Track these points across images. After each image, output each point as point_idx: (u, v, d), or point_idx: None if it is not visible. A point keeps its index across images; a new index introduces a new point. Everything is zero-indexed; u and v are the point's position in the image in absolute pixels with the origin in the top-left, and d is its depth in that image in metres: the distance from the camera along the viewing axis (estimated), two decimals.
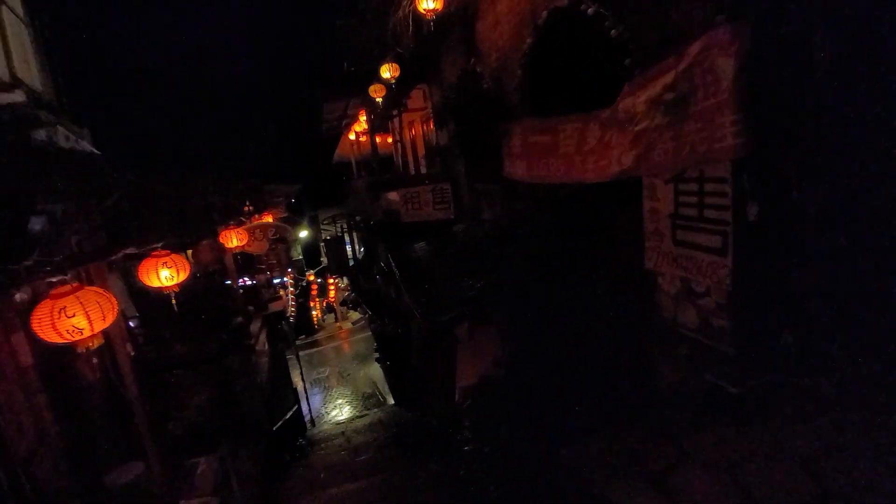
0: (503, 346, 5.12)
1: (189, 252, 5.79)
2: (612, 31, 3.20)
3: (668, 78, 2.65)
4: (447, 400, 7.22)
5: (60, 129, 5.70)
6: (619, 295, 3.47)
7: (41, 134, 5.12)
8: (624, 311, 3.37)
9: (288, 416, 8.04)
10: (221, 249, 6.11)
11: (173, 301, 3.89)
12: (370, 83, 9.03)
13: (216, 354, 5.94)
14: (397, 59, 7.25)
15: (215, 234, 5.72)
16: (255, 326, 6.88)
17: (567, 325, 3.89)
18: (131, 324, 6.90)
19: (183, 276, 3.86)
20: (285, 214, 11.59)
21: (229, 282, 6.51)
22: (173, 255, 3.79)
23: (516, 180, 5.15)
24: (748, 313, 2.60)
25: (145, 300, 8.85)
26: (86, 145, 6.24)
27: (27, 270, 3.03)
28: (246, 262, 7.54)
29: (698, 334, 2.86)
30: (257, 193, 8.11)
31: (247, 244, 6.44)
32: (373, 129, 10.36)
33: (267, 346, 7.59)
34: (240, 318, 6.03)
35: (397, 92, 9.32)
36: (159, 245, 3.83)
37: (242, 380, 6.06)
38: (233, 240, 5.75)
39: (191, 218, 4.94)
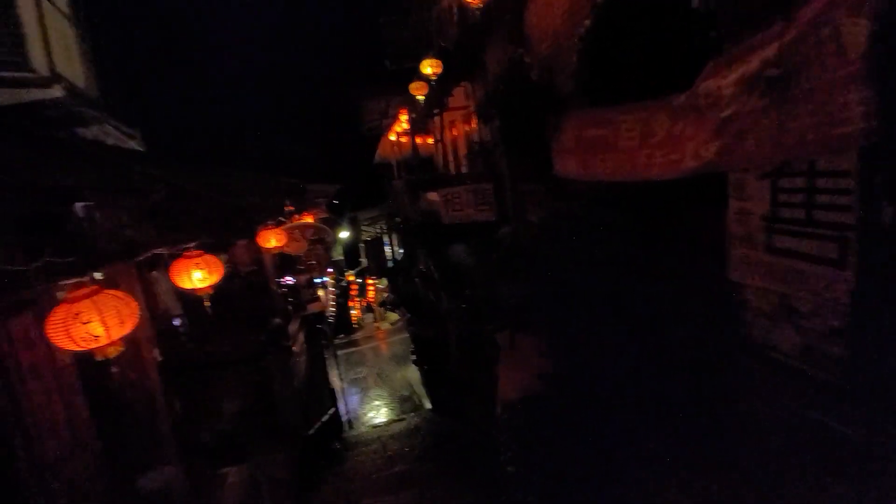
0: (549, 360, 4.70)
1: (227, 252, 5.73)
2: (694, 0, 2.74)
3: (770, 51, 2.18)
4: (487, 412, 6.85)
5: (110, 127, 5.77)
6: (693, 309, 2.99)
7: (89, 132, 5.15)
8: (699, 328, 2.89)
9: (325, 419, 7.90)
10: (258, 250, 6.01)
11: (206, 303, 3.74)
12: (412, 82, 8.81)
13: (254, 355, 5.84)
14: (440, 55, 6.96)
15: (253, 235, 5.62)
16: (293, 327, 6.79)
17: (627, 341, 3.43)
18: (176, 322, 6.97)
19: (216, 278, 3.71)
20: (326, 215, 11.61)
21: (269, 282, 6.44)
22: (206, 256, 3.64)
23: (567, 179, 4.72)
24: (872, 340, 2.08)
25: (191, 297, 9.02)
26: (133, 145, 6.30)
27: (68, 266, 2.93)
28: (285, 262, 7.50)
29: (800, 362, 2.35)
30: (299, 193, 8.04)
31: (285, 245, 6.32)
32: (414, 129, 10.14)
33: (305, 347, 7.49)
34: (278, 319, 5.92)
35: (439, 89, 9.05)
36: (192, 245, 3.69)
37: (279, 382, 5.93)
38: (271, 240, 5.63)
39: (228, 218, 4.84)
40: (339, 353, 20.86)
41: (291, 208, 7.61)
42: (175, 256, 3.68)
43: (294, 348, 6.26)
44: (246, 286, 5.99)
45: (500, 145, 5.63)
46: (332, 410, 9.03)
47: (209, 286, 3.69)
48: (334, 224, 23.59)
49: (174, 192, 4.44)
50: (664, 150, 3.37)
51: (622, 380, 3.47)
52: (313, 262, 7.49)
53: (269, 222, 5.68)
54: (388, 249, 20.72)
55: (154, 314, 5.18)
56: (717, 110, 2.58)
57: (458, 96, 10.55)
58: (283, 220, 6.73)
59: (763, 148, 2.32)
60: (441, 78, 7.65)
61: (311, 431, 6.31)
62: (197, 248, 3.69)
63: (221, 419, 5.92)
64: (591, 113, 4.18)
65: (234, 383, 5.95)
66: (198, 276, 3.61)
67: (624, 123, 3.89)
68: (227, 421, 5.85)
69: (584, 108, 4.19)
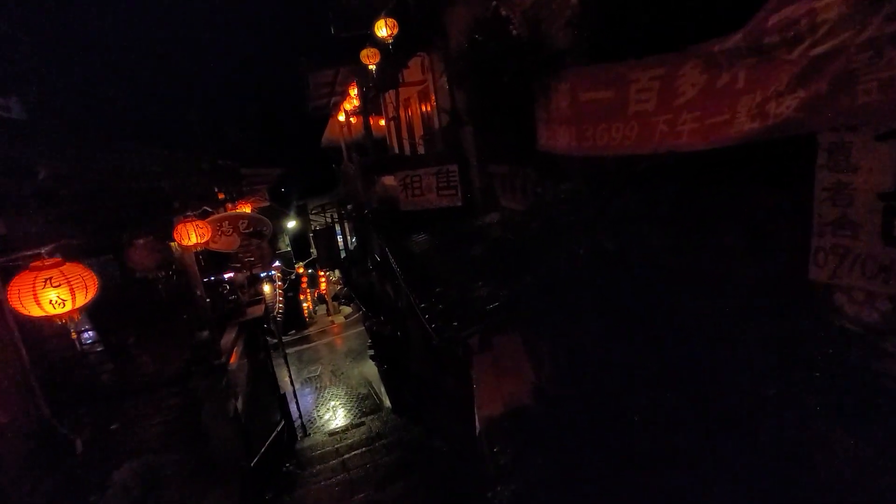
0: (543, 370, 3.98)
1: (125, 253, 4.55)
2: None
3: None
4: (459, 421, 6.10)
5: None
6: (746, 314, 2.31)
7: None
8: (757, 339, 2.21)
9: (272, 439, 6.87)
10: (165, 249, 4.83)
11: (73, 334, 2.68)
12: (363, 49, 7.73)
13: (176, 377, 4.75)
14: (396, 13, 5.96)
15: (166, 229, 4.47)
16: (228, 338, 5.70)
17: (650, 353, 2.74)
18: (87, 336, 5.65)
19: (83, 299, 2.59)
20: (267, 203, 10.30)
21: (193, 287, 5.24)
22: (68, 266, 2.53)
23: (556, 155, 3.96)
24: None
25: (106, 304, 7.59)
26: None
27: None
28: (215, 261, 6.33)
29: None
30: (232, 178, 6.83)
31: (211, 241, 5.18)
32: (366, 105, 9.06)
33: (245, 360, 6.42)
34: (205, 332, 4.83)
35: (394, 59, 8.03)
36: (43, 251, 2.57)
37: (210, 406, 4.87)
38: (192, 236, 4.49)
39: (122, 208, 3.71)
40: (291, 350, 19.52)
41: (223, 196, 6.42)
42: (17, 267, 2.56)
43: (231, 362, 5.21)
44: (163, 294, 4.81)
45: (466, 122, 4.77)
46: (281, 424, 7.98)
47: (72, 311, 2.55)
48: (279, 214, 21.96)
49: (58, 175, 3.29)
50: (697, 113, 2.66)
51: (641, 402, 2.78)
52: (251, 259, 6.40)
53: (188, 214, 4.56)
54: (340, 239, 19.44)
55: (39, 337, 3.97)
56: (803, 48, 1.86)
57: (415, 70, 9.56)
58: (209, 210, 5.56)
59: (886, 96, 1.62)
60: (397, 43, 6.65)
61: (254, 462, 5.32)
62: (52, 253, 2.58)
63: (138, 456, 4.80)
64: (591, 71, 3.41)
65: (153, 412, 4.84)
66: (52, 297, 2.45)
67: (635, 83, 3.15)
68: (144, 458, 4.74)
69: (584, 65, 3.42)
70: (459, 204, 7.25)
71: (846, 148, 1.79)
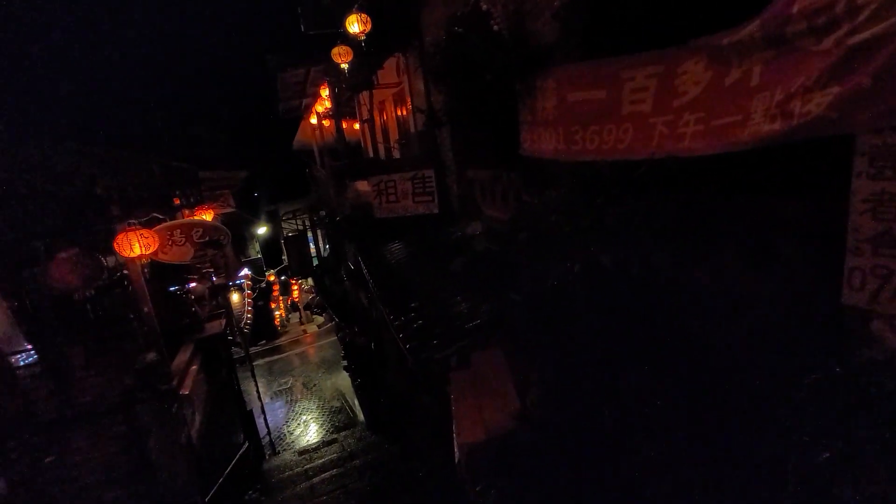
0: (530, 392, 3.65)
1: (46, 265, 4.00)
2: None
3: None
4: (437, 444, 5.72)
5: None
6: (762, 340, 2.03)
7: None
8: (777, 369, 1.93)
9: (234, 463, 6.33)
10: (94, 264, 4.26)
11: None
12: (335, 48, 7.33)
13: (118, 405, 4.22)
14: (368, 9, 5.61)
15: (94, 240, 3.93)
16: (181, 359, 5.15)
17: (652, 380, 2.44)
18: (21, 358, 5.01)
19: None
20: (232, 210, 9.66)
21: (138, 302, 4.65)
22: None
23: (544, 159, 3.66)
24: None
25: (50, 319, 6.89)
26: None
27: None
28: (165, 273, 5.74)
29: None
30: (188, 181, 6.28)
31: (160, 251, 4.64)
32: (339, 107, 8.65)
33: (203, 382, 5.85)
34: (152, 354, 4.29)
35: (367, 60, 7.65)
36: None
37: (157, 437, 4.35)
38: (134, 246, 3.96)
39: (32, 215, 3.20)
40: (260, 361, 18.72)
41: (178, 202, 5.88)
42: None
43: (183, 389, 4.68)
44: (91, 315, 4.24)
45: (446, 118, 4.45)
46: (245, 446, 7.42)
47: None
48: (247, 221, 21.11)
49: None
50: (702, 114, 2.39)
51: (640, 442, 2.48)
52: (208, 269, 5.85)
53: (131, 221, 4.04)
54: (312, 247, 18.81)
55: None
56: (839, 35, 1.60)
57: (390, 71, 9.20)
58: (160, 217, 5.02)
59: None
60: (370, 42, 6.29)
61: (210, 496, 4.78)
62: None
63: (76, 495, 4.26)
64: (580, 69, 3.13)
65: (92, 444, 4.29)
66: None
67: (630, 81, 2.88)
68: (83, 497, 4.20)
69: (571, 62, 3.13)
70: (436, 211, 6.91)
71: (893, 152, 1.53)
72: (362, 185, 7.97)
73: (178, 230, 5.14)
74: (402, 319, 4.00)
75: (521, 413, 3.94)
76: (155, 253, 4.28)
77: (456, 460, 4.22)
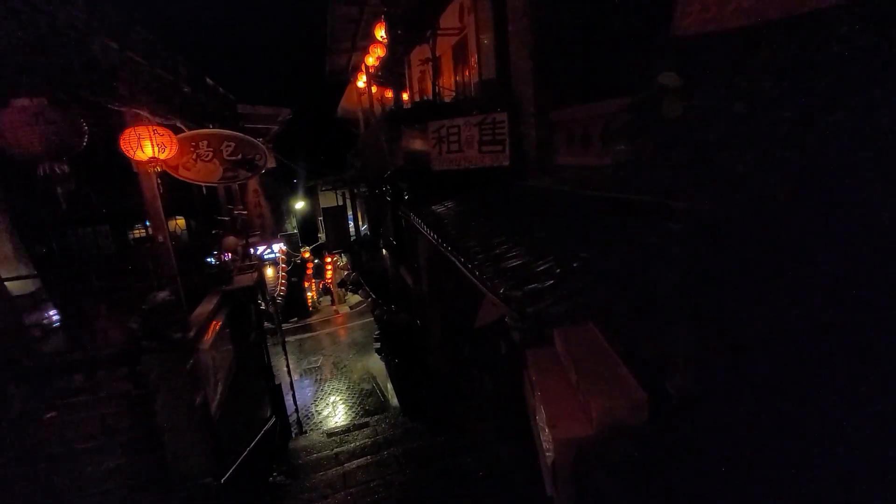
0: (675, 379, 2.55)
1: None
2: None
3: None
4: (508, 443, 4.65)
5: None
6: None
7: None
8: None
9: (257, 440, 5.49)
10: (68, 125, 3.18)
11: None
12: None
13: (120, 355, 3.37)
14: None
15: (73, 92, 2.80)
16: (204, 308, 4.26)
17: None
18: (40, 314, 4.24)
19: None
20: (274, 165, 8.73)
21: (155, 228, 3.62)
22: None
23: (717, 35, 2.52)
24: None
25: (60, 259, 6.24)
26: None
27: None
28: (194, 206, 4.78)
29: None
30: (223, 107, 5.38)
31: (182, 165, 3.70)
32: (393, 65, 7.70)
33: (228, 340, 5.01)
34: (165, 293, 3.39)
35: None
36: None
37: (167, 398, 3.49)
38: (145, 145, 3.02)
39: None
40: (291, 338, 18.23)
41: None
42: None
43: (203, 340, 3.81)
44: (63, 204, 3.17)
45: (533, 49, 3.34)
46: (272, 421, 6.60)
47: None
48: (287, 188, 20.54)
49: None
50: None
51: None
52: (242, 214, 4.91)
53: (142, 110, 3.07)
54: (350, 224, 18.12)
55: None
56: None
57: (452, 14, 8.17)
58: (182, 127, 4.07)
59: None
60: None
61: (228, 475, 3.90)
62: None
63: (62, 463, 3.45)
64: None
65: (84, 404, 3.46)
66: None
67: None
68: (71, 468, 3.39)
69: None
70: (506, 163, 5.83)
71: None
72: (417, 143, 7.02)
73: (205, 141, 4.12)
74: (488, 267, 2.94)
75: (650, 404, 2.86)
76: (175, 167, 3.39)
77: (550, 461, 3.17)
